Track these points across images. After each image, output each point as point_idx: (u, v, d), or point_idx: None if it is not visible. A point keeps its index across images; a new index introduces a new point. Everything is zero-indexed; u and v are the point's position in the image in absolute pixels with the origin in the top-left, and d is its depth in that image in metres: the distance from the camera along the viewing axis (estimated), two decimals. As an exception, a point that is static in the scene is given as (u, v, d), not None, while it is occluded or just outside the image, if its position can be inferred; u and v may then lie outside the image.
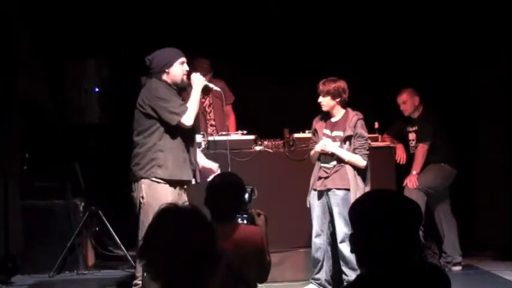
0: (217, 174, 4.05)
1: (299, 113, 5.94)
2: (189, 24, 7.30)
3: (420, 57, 7.28)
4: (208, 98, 6.94)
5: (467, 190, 7.13)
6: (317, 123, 5.72)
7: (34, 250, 6.50)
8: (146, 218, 4.82)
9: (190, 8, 7.36)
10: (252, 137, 6.30)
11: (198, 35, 7.25)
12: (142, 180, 4.90)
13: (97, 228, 6.76)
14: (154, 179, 4.88)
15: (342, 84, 5.56)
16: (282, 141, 6.28)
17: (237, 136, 6.30)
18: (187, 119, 4.91)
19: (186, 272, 2.08)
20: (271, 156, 6.20)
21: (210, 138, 6.18)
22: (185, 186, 5.05)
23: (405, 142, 6.58)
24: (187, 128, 4.96)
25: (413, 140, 6.53)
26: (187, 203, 4.74)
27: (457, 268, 6.44)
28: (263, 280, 3.93)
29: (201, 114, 6.73)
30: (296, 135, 6.17)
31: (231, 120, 7.00)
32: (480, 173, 7.26)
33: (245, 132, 6.43)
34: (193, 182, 5.09)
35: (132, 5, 7.26)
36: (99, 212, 6.56)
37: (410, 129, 6.55)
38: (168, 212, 2.21)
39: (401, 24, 7.31)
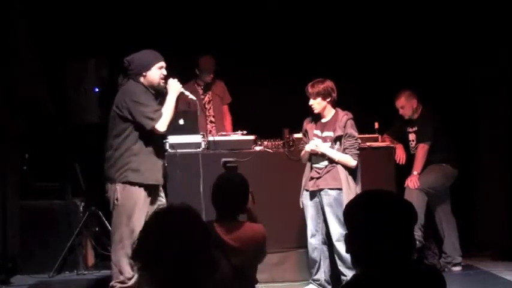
0: (224, 174, 4.10)
1: (299, 113, 5.94)
2: (188, 25, 7.30)
3: (420, 56, 7.27)
4: (207, 95, 7.00)
5: (468, 190, 7.12)
6: (307, 124, 5.74)
7: (34, 250, 6.50)
8: (119, 220, 4.90)
9: (190, 9, 7.36)
10: (252, 137, 6.30)
11: (197, 36, 7.25)
12: (117, 182, 4.92)
13: (97, 228, 6.76)
14: (126, 182, 4.91)
15: (330, 83, 5.58)
16: (281, 142, 6.28)
17: (237, 136, 6.31)
18: (161, 125, 4.93)
19: (182, 275, 2.05)
20: (271, 157, 6.19)
21: (210, 138, 6.18)
22: (160, 189, 5.11)
23: (405, 142, 6.58)
24: (161, 134, 4.98)
25: (413, 141, 6.53)
26: (163, 206, 4.80)
27: (457, 268, 6.44)
28: None
29: (201, 110, 6.77)
30: (296, 135, 6.16)
31: (228, 120, 7.10)
32: (480, 173, 7.25)
33: (245, 132, 6.43)
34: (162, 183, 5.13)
35: (132, 5, 7.26)
36: (99, 212, 6.56)
37: (410, 129, 6.55)
38: (162, 213, 2.18)
39: (401, 24, 7.31)
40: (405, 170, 6.43)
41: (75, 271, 6.53)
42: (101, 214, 6.56)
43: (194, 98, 5.41)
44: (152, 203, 4.99)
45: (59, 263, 6.43)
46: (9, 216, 6.37)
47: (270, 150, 6.22)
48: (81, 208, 6.71)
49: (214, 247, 3.33)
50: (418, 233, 5.99)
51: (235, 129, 6.76)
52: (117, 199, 4.90)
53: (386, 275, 2.23)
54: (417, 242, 5.72)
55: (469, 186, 7.16)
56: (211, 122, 7.04)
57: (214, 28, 7.33)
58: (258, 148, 6.22)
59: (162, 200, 5.10)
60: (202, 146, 6.04)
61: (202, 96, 7.00)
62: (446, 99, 7.16)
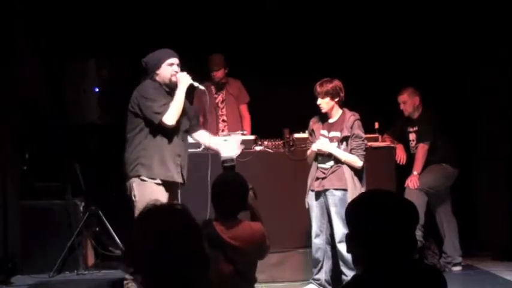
0: (222, 174, 4.14)
1: (299, 113, 5.94)
2: (188, 25, 7.30)
3: (421, 56, 7.27)
4: (221, 94, 6.97)
5: (468, 190, 7.12)
6: (314, 124, 5.72)
7: (34, 250, 6.50)
8: None
9: (190, 9, 7.36)
10: (252, 137, 6.30)
11: (197, 36, 7.25)
12: (133, 178, 4.94)
13: (97, 228, 6.76)
14: (140, 177, 4.91)
15: (338, 83, 5.56)
16: (282, 141, 6.27)
17: (237, 136, 6.30)
18: (169, 119, 4.92)
19: (174, 275, 2.03)
20: (271, 156, 6.20)
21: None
22: (177, 187, 5.08)
23: (405, 142, 6.58)
24: (171, 128, 4.96)
25: (413, 141, 6.53)
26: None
27: (457, 268, 6.44)
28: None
29: (213, 110, 6.76)
30: (296, 135, 6.17)
31: (246, 121, 7.02)
32: (480, 173, 7.25)
33: (245, 132, 6.43)
34: (179, 181, 5.09)
35: (132, 5, 7.26)
36: (99, 212, 6.56)
37: (411, 129, 6.56)
38: (150, 213, 2.16)
39: (402, 23, 7.31)
40: (405, 170, 6.43)
41: (75, 271, 6.53)
42: (101, 214, 6.56)
43: (203, 88, 5.39)
44: (171, 200, 4.93)
45: (59, 263, 6.42)
46: (9, 216, 6.37)
47: (270, 150, 6.22)
48: (81, 208, 6.70)
49: (214, 245, 3.33)
50: (418, 233, 5.99)
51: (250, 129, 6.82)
52: (134, 195, 4.90)
53: (387, 275, 2.23)
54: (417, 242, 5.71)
55: (470, 186, 7.16)
56: (223, 121, 7.00)
57: (214, 28, 7.32)
58: (258, 148, 6.22)
59: (178, 199, 5.07)
60: (203, 146, 6.03)
61: (216, 96, 6.95)
62: (447, 99, 7.17)
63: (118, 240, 6.49)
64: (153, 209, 2.17)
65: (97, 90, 6.61)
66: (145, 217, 2.15)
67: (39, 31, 6.89)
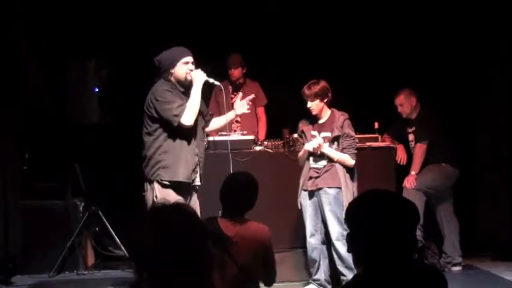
0: (233, 173, 4.18)
1: (299, 113, 5.94)
2: (187, 25, 7.29)
3: (420, 56, 7.27)
4: (238, 95, 6.93)
5: (468, 190, 7.12)
6: (304, 126, 5.74)
7: (34, 250, 6.50)
8: None
9: (189, 9, 7.35)
10: (251, 137, 6.30)
11: (197, 36, 7.23)
12: (154, 181, 4.93)
13: (97, 228, 6.76)
14: (161, 180, 4.91)
15: (325, 84, 5.60)
16: (281, 142, 6.28)
17: (237, 136, 6.31)
18: (186, 119, 4.88)
19: (178, 274, 2.05)
20: (271, 157, 6.20)
21: (210, 138, 6.17)
22: (196, 187, 5.08)
23: (405, 143, 6.58)
24: (189, 128, 4.93)
25: (412, 141, 6.53)
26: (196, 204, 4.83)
27: (457, 268, 6.44)
28: (269, 283, 4.05)
29: (227, 110, 6.71)
30: (296, 135, 6.17)
31: (262, 123, 6.99)
32: (480, 173, 7.25)
33: (245, 132, 6.43)
34: (197, 183, 5.10)
35: (132, 5, 7.26)
36: (99, 212, 6.57)
37: (410, 130, 6.55)
38: (156, 212, 2.18)
39: (401, 23, 7.31)
40: (405, 170, 6.43)
41: (75, 271, 6.53)
42: (101, 214, 6.56)
43: (219, 83, 5.32)
44: (186, 201, 4.91)
45: (59, 263, 6.42)
46: (9, 216, 6.37)
47: (270, 150, 6.23)
48: (81, 208, 6.70)
49: (217, 242, 3.34)
50: (418, 233, 5.98)
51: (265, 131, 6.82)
52: (156, 197, 4.88)
53: (388, 274, 2.23)
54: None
55: (470, 186, 7.15)
56: (237, 121, 6.95)
57: (213, 28, 7.32)
58: (258, 148, 6.23)
59: (195, 199, 5.07)
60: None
61: (232, 96, 6.90)
62: (447, 99, 7.16)
63: (118, 240, 6.49)
64: (160, 208, 2.18)
65: (97, 90, 6.61)
66: (151, 216, 2.17)
67: (39, 31, 6.89)
